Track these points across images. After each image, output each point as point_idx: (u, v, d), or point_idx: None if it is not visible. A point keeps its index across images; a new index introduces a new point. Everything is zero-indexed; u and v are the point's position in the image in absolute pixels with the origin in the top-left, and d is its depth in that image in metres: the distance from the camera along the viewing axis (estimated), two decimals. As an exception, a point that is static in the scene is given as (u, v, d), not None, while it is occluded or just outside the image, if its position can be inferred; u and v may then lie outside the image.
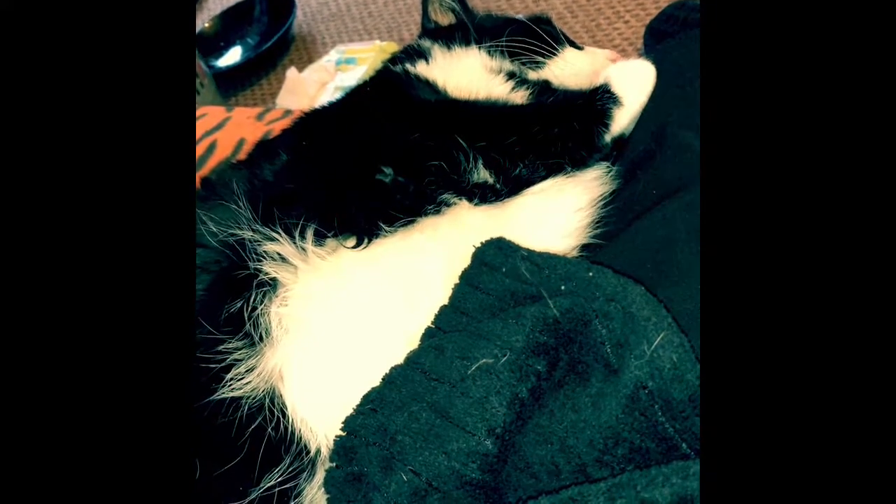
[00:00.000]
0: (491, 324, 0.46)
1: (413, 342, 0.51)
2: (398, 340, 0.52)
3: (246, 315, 0.51)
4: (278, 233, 0.54)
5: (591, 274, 0.47)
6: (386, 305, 0.53)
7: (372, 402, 0.45)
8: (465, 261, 0.54)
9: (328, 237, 0.55)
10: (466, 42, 0.78)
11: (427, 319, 0.52)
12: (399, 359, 0.50)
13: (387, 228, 0.55)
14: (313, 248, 0.54)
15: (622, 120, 0.68)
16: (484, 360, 0.44)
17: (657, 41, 1.47)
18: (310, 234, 0.54)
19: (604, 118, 0.67)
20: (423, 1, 0.88)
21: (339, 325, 0.52)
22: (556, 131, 0.65)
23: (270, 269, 0.52)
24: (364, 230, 0.55)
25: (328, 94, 1.91)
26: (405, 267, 0.55)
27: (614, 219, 0.63)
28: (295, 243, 0.54)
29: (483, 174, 0.60)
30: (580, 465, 0.42)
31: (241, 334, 0.50)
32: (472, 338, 0.46)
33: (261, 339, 0.51)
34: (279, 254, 0.53)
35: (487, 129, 0.64)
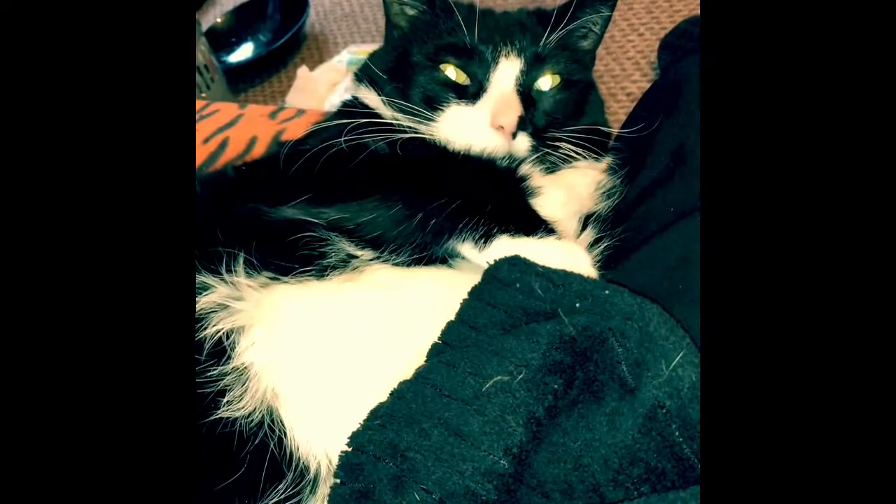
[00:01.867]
0: (504, 340, 0.46)
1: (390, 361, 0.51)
2: (378, 362, 0.51)
3: (226, 344, 0.50)
4: (210, 278, 0.53)
5: (606, 292, 0.47)
6: (348, 328, 0.53)
7: (381, 418, 0.45)
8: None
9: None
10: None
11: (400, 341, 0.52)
12: (380, 375, 0.50)
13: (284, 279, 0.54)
14: (246, 280, 0.53)
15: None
16: (499, 378, 0.43)
17: (671, 55, 1.47)
18: (240, 267, 0.53)
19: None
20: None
21: (312, 353, 0.52)
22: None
23: (222, 322, 0.51)
24: (280, 268, 0.54)
25: (338, 95, 1.90)
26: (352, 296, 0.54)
27: (631, 236, 0.63)
28: (227, 282, 0.53)
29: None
30: (594, 484, 0.41)
31: (225, 358, 0.50)
32: (485, 354, 0.45)
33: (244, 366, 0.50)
34: (219, 304, 0.52)
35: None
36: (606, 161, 0.71)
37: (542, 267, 0.50)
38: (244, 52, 2.14)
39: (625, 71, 1.58)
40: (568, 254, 0.56)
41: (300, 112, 1.07)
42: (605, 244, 0.63)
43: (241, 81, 2.08)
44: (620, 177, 0.68)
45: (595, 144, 0.69)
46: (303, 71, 1.91)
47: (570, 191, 0.66)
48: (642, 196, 0.66)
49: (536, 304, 0.49)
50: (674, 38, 1.46)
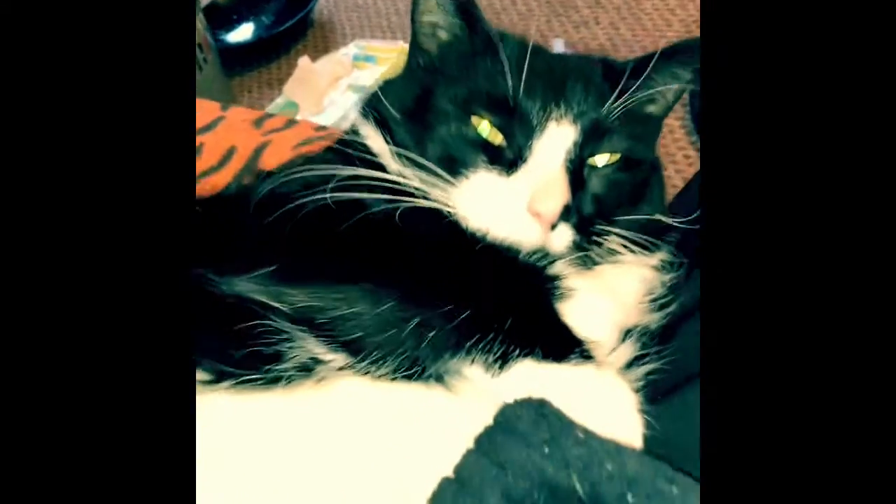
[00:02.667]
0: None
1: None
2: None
3: None
4: None
5: (675, 490, 0.33)
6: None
7: None
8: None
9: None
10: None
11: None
12: None
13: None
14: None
15: None
16: None
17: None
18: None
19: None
20: (413, 12, 0.60)
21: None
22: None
23: None
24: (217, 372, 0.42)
25: (340, 92, 1.76)
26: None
27: (679, 359, 0.50)
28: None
29: None
30: None
31: None
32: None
33: None
34: None
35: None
36: (659, 256, 0.55)
37: (584, 430, 0.36)
38: (244, 32, 2.00)
39: (654, 106, 1.45)
40: (609, 391, 0.42)
41: (290, 123, 0.92)
42: (651, 367, 0.50)
43: (238, 64, 1.94)
44: (674, 279, 0.54)
45: (650, 235, 0.54)
46: (304, 61, 1.77)
47: (614, 296, 0.51)
48: (692, 308, 0.52)
49: (570, 482, 0.35)
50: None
